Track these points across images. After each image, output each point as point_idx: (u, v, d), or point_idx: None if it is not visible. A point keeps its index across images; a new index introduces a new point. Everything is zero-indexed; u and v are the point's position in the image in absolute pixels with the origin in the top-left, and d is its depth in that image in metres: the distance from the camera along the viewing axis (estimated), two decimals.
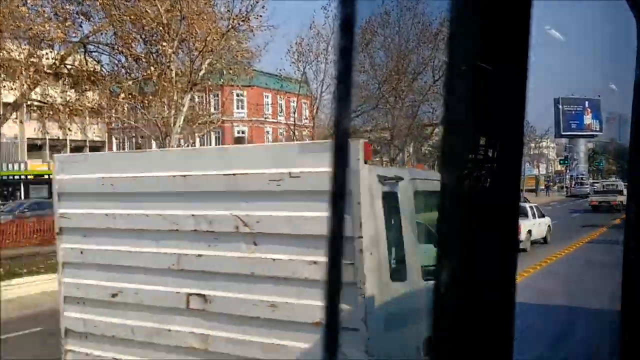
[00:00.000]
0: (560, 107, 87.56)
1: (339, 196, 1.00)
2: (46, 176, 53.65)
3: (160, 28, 16.79)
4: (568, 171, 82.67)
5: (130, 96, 18.33)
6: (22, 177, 52.81)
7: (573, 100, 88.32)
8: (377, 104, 27.94)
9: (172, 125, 17.80)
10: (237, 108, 78.18)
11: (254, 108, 70.81)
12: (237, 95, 79.32)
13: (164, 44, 17.02)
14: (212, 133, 79.00)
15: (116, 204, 5.64)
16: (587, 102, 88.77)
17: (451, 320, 1.12)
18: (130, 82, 18.47)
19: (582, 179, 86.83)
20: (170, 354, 5.34)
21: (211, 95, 78.54)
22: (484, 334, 1.12)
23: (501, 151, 1.13)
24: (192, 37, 17.69)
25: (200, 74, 18.36)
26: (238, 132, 79.77)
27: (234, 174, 4.98)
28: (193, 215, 5.20)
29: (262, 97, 67.03)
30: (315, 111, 28.21)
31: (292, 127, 30.44)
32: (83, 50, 21.24)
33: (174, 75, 17.83)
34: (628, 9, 1.79)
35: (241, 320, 5.00)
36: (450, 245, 1.14)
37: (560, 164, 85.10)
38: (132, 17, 17.66)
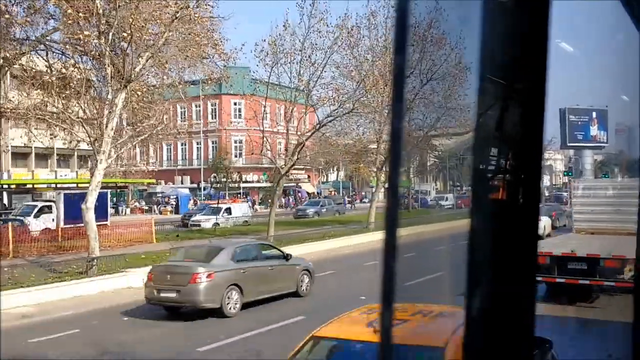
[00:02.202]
0: (566, 117, 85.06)
1: None
2: (29, 185, 51.93)
3: (81, 15, 14.83)
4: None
5: (54, 92, 16.35)
6: (5, 186, 50.94)
7: (579, 110, 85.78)
8: (353, 107, 25.86)
9: (104, 127, 15.83)
10: (235, 117, 76.00)
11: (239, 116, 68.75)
12: (235, 103, 77.32)
13: (86, 32, 15.07)
14: (203, 141, 77.13)
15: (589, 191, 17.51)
16: (593, 113, 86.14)
17: (481, 313, 1.25)
18: (48, 77, 16.53)
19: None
20: None
21: (209, 104, 76.70)
22: (508, 329, 1.25)
23: (520, 161, 1.23)
24: (128, 29, 15.64)
25: (137, 69, 16.33)
26: (235, 142, 77.72)
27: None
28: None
29: (259, 104, 65.08)
30: (289, 117, 26.10)
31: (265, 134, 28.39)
32: (43, 50, 19.56)
33: (109, 71, 15.90)
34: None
35: None
36: (478, 251, 1.25)
37: (564, 175, 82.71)
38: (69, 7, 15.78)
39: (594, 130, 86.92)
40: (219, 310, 13.14)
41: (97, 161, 16.44)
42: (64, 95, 16.67)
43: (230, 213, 38.79)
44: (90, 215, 16.71)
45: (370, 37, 31.68)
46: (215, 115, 78.41)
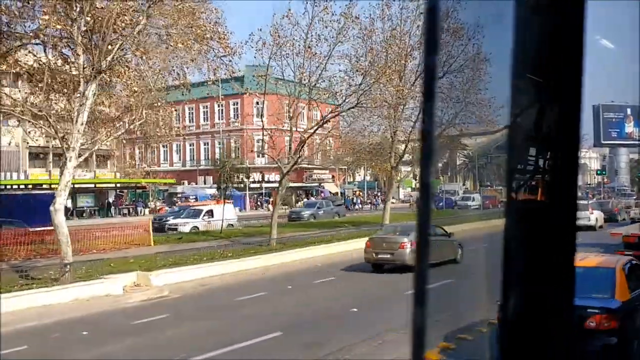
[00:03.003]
0: (600, 114, 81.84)
1: None
2: (45, 185, 51.46)
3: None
4: (608, 182, 77.08)
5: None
6: (22, 186, 50.58)
7: (614, 107, 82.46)
8: (357, 101, 24.22)
9: (74, 121, 14.53)
10: (257, 116, 74.76)
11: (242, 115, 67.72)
12: (257, 102, 76.28)
13: (46, 17, 13.76)
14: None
15: None
16: (629, 109, 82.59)
17: (517, 317, 1.27)
18: (5, 67, 15.29)
19: (624, 190, 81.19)
20: None
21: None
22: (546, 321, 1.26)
23: (556, 161, 1.23)
24: (99, 15, 14.28)
25: (108, 59, 14.93)
26: (257, 141, 76.44)
27: None
28: None
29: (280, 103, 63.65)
30: (291, 112, 24.53)
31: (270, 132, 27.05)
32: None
33: (81, 61, 14.61)
34: None
35: None
36: (514, 252, 1.27)
37: (597, 174, 79.66)
38: None
39: (629, 127, 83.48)
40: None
41: (66, 159, 15.16)
42: (36, 89, 15.47)
43: (212, 216, 35.26)
44: (59, 218, 15.44)
45: (383, 28, 30.04)
46: (237, 114, 77.50)
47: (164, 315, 13.87)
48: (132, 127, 18.03)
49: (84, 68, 14.81)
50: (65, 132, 15.86)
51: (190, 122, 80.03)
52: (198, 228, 34.14)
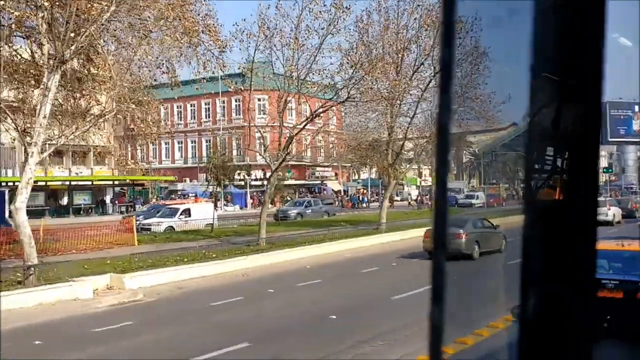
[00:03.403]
0: (607, 111, 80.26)
1: None
2: (41, 183, 50.72)
3: None
4: (616, 180, 75.77)
5: None
6: (18, 183, 49.77)
7: (621, 104, 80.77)
8: (348, 95, 23.23)
9: (36, 114, 13.61)
10: (259, 113, 73.74)
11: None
12: (259, 99, 75.31)
13: (2, 2, 12.82)
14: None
15: None
16: (636, 106, 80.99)
17: (536, 317, 1.26)
18: None
19: (632, 188, 79.94)
20: None
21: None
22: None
23: (576, 160, 1.22)
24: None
25: (73, 47, 13.98)
26: (258, 139, 75.33)
27: None
28: None
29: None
30: (282, 108, 23.54)
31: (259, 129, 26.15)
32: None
33: (45, 50, 13.68)
34: None
35: None
36: (533, 253, 1.25)
37: (604, 172, 78.31)
38: None
39: (637, 125, 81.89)
40: (469, 255, 20.42)
41: (27, 155, 14.26)
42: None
43: (189, 215, 33.89)
44: (21, 217, 14.50)
45: (380, 21, 29.09)
46: (239, 111, 76.75)
47: (128, 322, 12.94)
48: (102, 120, 17.10)
49: (48, 58, 13.89)
50: (26, 125, 14.97)
51: (192, 119, 79.46)
52: (173, 228, 32.74)
